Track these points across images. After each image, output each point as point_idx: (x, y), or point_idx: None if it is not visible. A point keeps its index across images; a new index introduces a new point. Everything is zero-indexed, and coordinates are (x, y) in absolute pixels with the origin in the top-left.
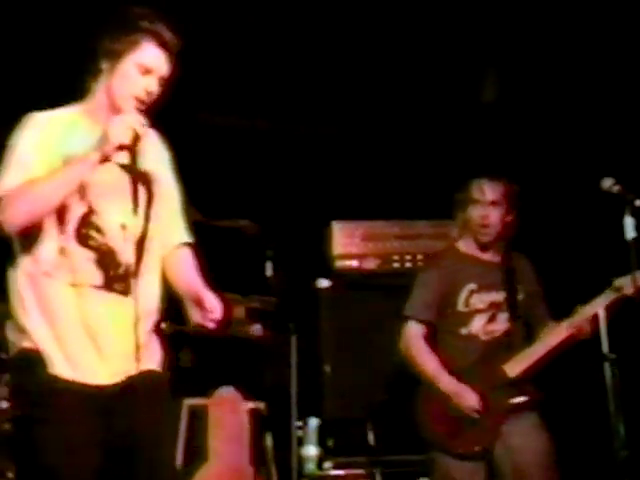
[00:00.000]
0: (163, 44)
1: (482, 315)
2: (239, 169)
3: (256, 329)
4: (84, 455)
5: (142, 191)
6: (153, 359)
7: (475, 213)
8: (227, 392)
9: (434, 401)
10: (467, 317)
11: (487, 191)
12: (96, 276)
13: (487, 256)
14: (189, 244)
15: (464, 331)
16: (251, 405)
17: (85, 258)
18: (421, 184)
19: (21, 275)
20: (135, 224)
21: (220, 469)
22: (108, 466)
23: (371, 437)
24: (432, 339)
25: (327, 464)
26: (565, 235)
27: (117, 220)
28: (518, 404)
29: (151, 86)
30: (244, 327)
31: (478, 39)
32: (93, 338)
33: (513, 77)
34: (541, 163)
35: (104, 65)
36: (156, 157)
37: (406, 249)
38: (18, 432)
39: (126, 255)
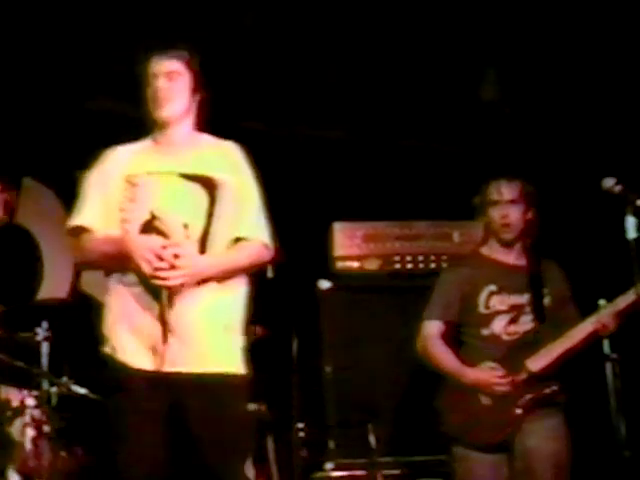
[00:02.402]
0: (159, 52)
1: (503, 316)
2: None
3: (256, 330)
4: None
5: (203, 194)
6: (224, 360)
7: (495, 214)
8: None
9: (454, 395)
10: (488, 318)
11: (505, 191)
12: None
13: (510, 259)
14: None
15: (486, 332)
16: (252, 407)
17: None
18: (421, 185)
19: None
20: (196, 224)
21: None
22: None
23: (372, 438)
24: (450, 338)
25: (328, 465)
26: (566, 235)
27: (179, 220)
28: (538, 396)
29: (160, 84)
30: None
31: (478, 39)
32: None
33: (513, 77)
34: (542, 163)
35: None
36: (222, 164)
37: (407, 250)
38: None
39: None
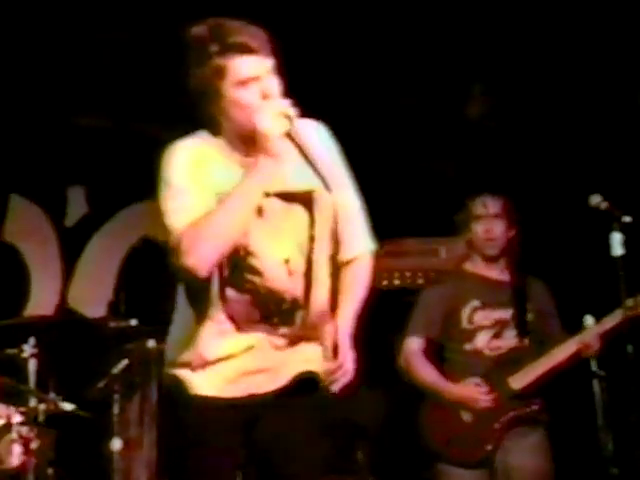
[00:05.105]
0: (246, 50)
1: (487, 331)
2: None
3: None
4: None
5: (303, 215)
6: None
7: (479, 228)
8: None
9: (436, 412)
10: (471, 333)
11: (489, 205)
12: (254, 314)
13: (494, 274)
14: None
15: (469, 347)
16: None
17: (241, 301)
18: (409, 201)
19: (187, 314)
20: (299, 254)
21: None
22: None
23: (360, 455)
24: (433, 355)
25: None
26: (552, 251)
27: (278, 256)
28: (519, 415)
29: (266, 89)
30: None
31: (464, 56)
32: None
33: (499, 93)
34: (529, 180)
35: (213, 109)
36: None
37: (394, 266)
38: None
39: (291, 291)
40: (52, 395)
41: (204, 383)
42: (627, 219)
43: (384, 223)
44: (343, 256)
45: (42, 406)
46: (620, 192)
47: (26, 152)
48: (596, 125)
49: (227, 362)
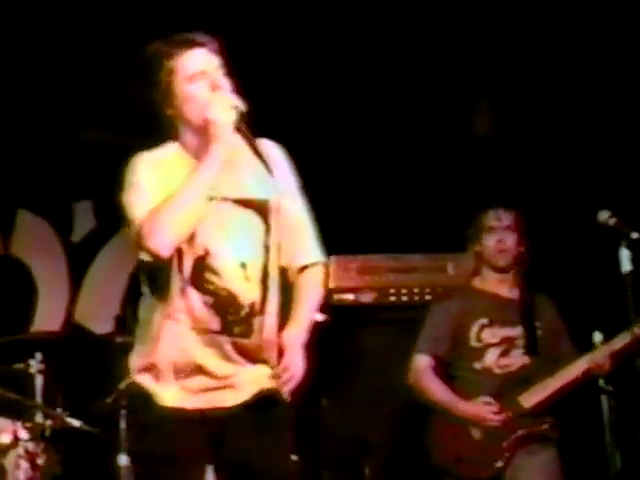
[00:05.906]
0: (191, 45)
1: (495, 349)
2: None
3: None
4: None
5: (258, 223)
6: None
7: (491, 240)
8: None
9: (445, 428)
10: (480, 352)
11: (502, 217)
12: (214, 322)
13: (503, 291)
14: (315, 264)
15: (478, 365)
16: None
17: (202, 302)
18: (416, 217)
19: (150, 315)
20: (255, 260)
21: None
22: None
23: (367, 471)
24: (442, 372)
25: None
26: (561, 267)
27: (235, 260)
28: (530, 433)
29: (215, 82)
30: None
31: (471, 71)
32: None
33: (507, 108)
34: (537, 195)
35: (169, 111)
36: (269, 177)
37: (402, 282)
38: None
39: (249, 295)
40: (59, 410)
41: (168, 395)
42: (635, 235)
43: (391, 239)
44: (297, 264)
45: (49, 422)
46: (629, 208)
47: (33, 167)
48: (604, 140)
49: (190, 376)
